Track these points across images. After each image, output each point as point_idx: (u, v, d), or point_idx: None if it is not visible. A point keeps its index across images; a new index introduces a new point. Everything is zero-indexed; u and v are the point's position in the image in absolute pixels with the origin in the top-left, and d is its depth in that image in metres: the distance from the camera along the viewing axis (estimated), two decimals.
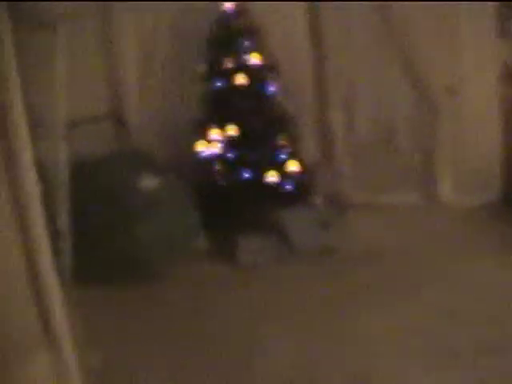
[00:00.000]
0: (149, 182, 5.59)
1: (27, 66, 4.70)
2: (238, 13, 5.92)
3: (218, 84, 5.91)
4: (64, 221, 3.98)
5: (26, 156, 2.29)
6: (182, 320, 4.69)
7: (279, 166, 5.88)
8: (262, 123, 5.91)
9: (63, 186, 3.96)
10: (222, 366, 3.99)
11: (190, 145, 6.11)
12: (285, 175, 5.89)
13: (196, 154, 6.04)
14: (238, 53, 5.89)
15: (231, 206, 5.82)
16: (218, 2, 5.95)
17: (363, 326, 4.30)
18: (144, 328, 4.59)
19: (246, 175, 5.81)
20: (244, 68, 5.88)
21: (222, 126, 5.86)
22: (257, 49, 5.97)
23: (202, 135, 5.96)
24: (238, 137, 5.84)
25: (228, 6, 5.90)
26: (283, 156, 5.94)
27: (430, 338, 4.08)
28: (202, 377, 3.89)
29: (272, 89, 6.03)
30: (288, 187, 5.91)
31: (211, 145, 5.90)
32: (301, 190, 6.02)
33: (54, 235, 3.73)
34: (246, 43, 5.93)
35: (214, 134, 5.87)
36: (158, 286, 5.28)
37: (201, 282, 5.35)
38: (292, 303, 4.79)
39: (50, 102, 3.89)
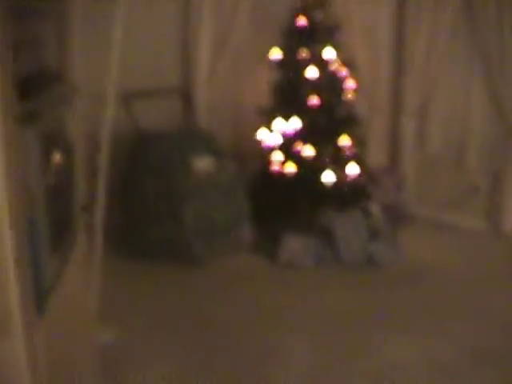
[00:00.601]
0: (203, 164, 5.52)
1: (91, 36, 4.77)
2: (319, 3, 5.69)
3: (290, 74, 5.72)
4: (100, 193, 3.92)
5: None
6: (206, 309, 4.64)
7: (339, 167, 5.68)
8: (328, 120, 5.68)
9: (104, 157, 3.90)
10: (232, 366, 3.92)
11: (253, 132, 5.97)
12: (343, 177, 5.69)
13: (257, 142, 5.89)
14: (313, 45, 5.68)
15: (283, 200, 5.67)
16: None
17: (384, 348, 4.11)
18: (164, 311, 4.59)
19: (304, 171, 5.62)
20: (318, 61, 5.67)
21: (287, 117, 5.68)
22: (335, 43, 5.74)
23: (266, 124, 5.81)
24: (302, 130, 5.64)
25: None
26: (345, 157, 5.71)
27: (450, 375, 3.85)
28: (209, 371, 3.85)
29: (345, 86, 5.80)
30: (345, 190, 5.71)
31: (273, 135, 5.74)
32: (358, 194, 5.81)
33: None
34: (324, 36, 5.70)
35: (278, 124, 5.70)
36: (193, 270, 5.28)
37: (235, 274, 5.28)
38: (321, 311, 4.64)
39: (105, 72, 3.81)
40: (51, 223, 2.56)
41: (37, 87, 2.63)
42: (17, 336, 2.04)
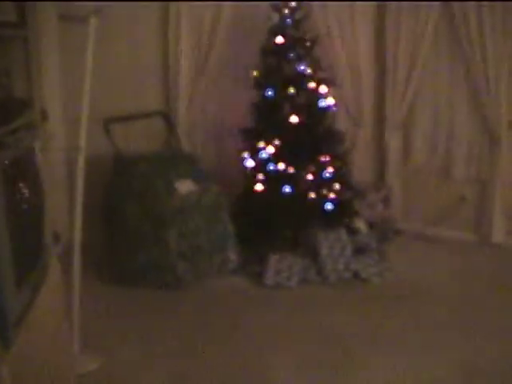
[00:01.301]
0: (186, 186, 5.48)
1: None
2: (296, 21, 5.66)
3: (270, 93, 5.68)
4: (77, 220, 3.89)
5: None
6: (192, 333, 4.58)
7: (323, 184, 5.65)
8: (310, 137, 5.64)
9: (80, 182, 3.87)
10: None
11: (236, 153, 5.94)
12: (328, 194, 5.66)
13: (240, 162, 5.85)
14: (292, 63, 5.65)
15: (267, 220, 5.63)
16: (273, 10, 5.71)
17: (371, 366, 4.05)
18: (149, 336, 4.53)
19: (287, 190, 5.57)
20: (298, 79, 5.65)
21: (269, 136, 5.64)
22: (314, 59, 5.72)
23: (249, 143, 5.78)
24: (284, 149, 5.60)
25: (286, 12, 5.65)
26: (328, 174, 5.67)
27: None
28: None
29: (326, 103, 5.75)
30: (329, 207, 5.66)
31: (256, 154, 5.70)
32: (343, 211, 5.77)
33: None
34: (302, 53, 5.67)
35: (261, 143, 5.67)
36: (178, 294, 5.23)
37: (221, 296, 5.23)
38: (307, 331, 4.57)
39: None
40: (17, 254, 2.51)
41: (1, 116, 2.60)
42: None
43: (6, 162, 2.50)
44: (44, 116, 3.45)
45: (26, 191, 2.77)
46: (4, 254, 2.37)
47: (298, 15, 5.64)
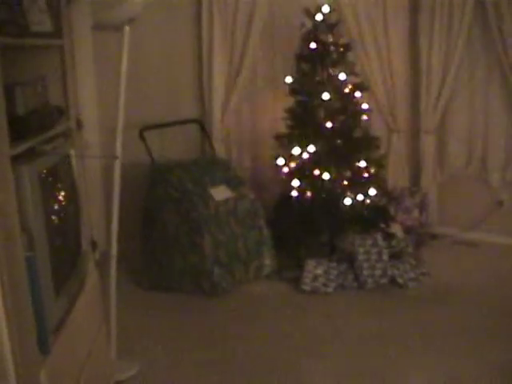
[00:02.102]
0: (222, 193, 5.49)
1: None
2: (330, 26, 5.66)
3: (304, 98, 5.68)
4: (114, 228, 3.92)
5: None
6: (229, 339, 4.58)
7: (358, 190, 5.63)
8: (345, 143, 5.63)
9: (117, 190, 3.90)
10: None
11: (271, 158, 5.95)
12: (363, 199, 5.64)
13: (275, 168, 5.86)
14: (326, 68, 5.64)
15: (303, 225, 5.61)
16: (306, 16, 5.69)
17: (410, 372, 4.01)
18: (186, 342, 4.53)
19: (323, 195, 5.57)
20: (332, 84, 5.63)
21: (304, 142, 5.63)
22: (348, 64, 5.70)
23: (284, 150, 5.77)
24: (319, 155, 5.59)
25: (319, 18, 5.64)
26: (364, 179, 5.66)
27: None
28: None
29: (361, 108, 5.74)
30: (365, 212, 5.64)
31: (292, 160, 5.71)
32: (379, 216, 5.75)
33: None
34: (337, 58, 5.65)
35: (296, 149, 5.67)
36: (215, 300, 5.22)
37: (258, 302, 5.21)
38: (345, 336, 4.54)
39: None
40: (55, 262, 2.54)
41: (37, 125, 2.63)
42: (11, 377, 2.02)
43: (45, 170, 2.54)
44: (79, 124, 3.48)
45: (63, 199, 2.80)
46: (43, 261, 2.40)
47: (330, 20, 5.63)
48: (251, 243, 5.50)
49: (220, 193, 5.51)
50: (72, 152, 3.06)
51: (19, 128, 2.43)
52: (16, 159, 2.27)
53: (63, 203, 2.79)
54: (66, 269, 2.79)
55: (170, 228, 5.40)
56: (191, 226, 5.29)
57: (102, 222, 5.78)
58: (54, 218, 2.63)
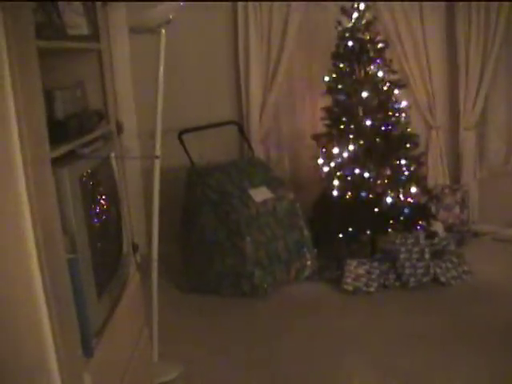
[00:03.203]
0: (261, 194, 5.48)
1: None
2: (366, 24, 5.61)
3: (343, 97, 5.64)
4: (155, 231, 3.93)
5: None
6: (271, 339, 4.57)
7: (399, 188, 5.57)
8: (385, 141, 5.57)
9: (156, 193, 3.91)
10: None
11: (310, 158, 5.94)
12: (404, 197, 5.58)
13: (315, 168, 5.84)
14: (364, 66, 5.60)
15: (344, 225, 5.58)
16: (342, 14, 5.66)
17: (453, 369, 3.96)
18: (228, 344, 4.53)
19: (364, 194, 5.53)
20: (370, 82, 5.59)
21: (343, 141, 5.60)
22: (385, 62, 5.64)
23: (323, 149, 5.75)
24: (358, 153, 5.55)
25: (355, 14, 5.60)
26: (404, 177, 5.60)
27: None
28: None
29: (400, 105, 5.69)
30: (406, 211, 5.58)
31: (331, 160, 5.67)
32: (420, 215, 5.68)
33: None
34: (374, 56, 5.59)
35: (335, 148, 5.64)
36: (256, 301, 5.22)
37: (299, 303, 5.21)
38: (388, 335, 4.51)
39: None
40: (98, 265, 2.55)
41: (77, 128, 2.64)
42: (56, 380, 2.02)
43: (85, 173, 2.55)
44: (120, 128, 3.50)
45: (104, 202, 2.81)
46: (85, 264, 2.41)
47: (366, 17, 5.59)
48: (292, 244, 5.50)
49: (260, 194, 5.50)
50: (112, 155, 3.07)
51: (58, 132, 2.44)
52: (56, 162, 2.28)
53: (104, 206, 2.80)
54: (108, 271, 2.80)
55: (209, 230, 5.41)
56: (231, 228, 5.29)
57: (143, 225, 5.82)
58: (95, 220, 2.63)
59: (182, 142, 5.68)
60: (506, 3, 5.85)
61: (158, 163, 3.90)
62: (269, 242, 5.36)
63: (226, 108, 6.43)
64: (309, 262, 5.53)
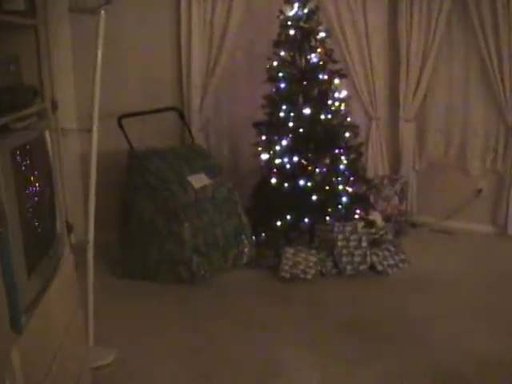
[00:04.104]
0: (200, 180, 5.46)
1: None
2: (308, 12, 5.58)
3: (283, 85, 5.64)
4: (91, 213, 3.89)
5: None
6: (208, 325, 4.57)
7: (338, 177, 5.60)
8: (324, 130, 5.59)
9: (93, 176, 3.86)
10: (232, 381, 3.85)
11: (250, 146, 5.93)
12: (343, 187, 5.61)
13: (254, 156, 5.83)
14: (305, 55, 5.60)
15: (282, 213, 5.59)
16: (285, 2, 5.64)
17: (390, 358, 4.00)
18: (164, 329, 4.52)
19: (302, 182, 5.54)
20: (311, 71, 5.59)
21: (283, 129, 5.61)
22: (327, 52, 5.65)
23: (262, 137, 5.74)
24: (298, 142, 5.57)
25: (297, 3, 5.57)
26: (343, 166, 5.63)
27: None
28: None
29: (339, 95, 5.71)
30: (344, 200, 5.62)
31: (270, 147, 5.67)
32: (358, 204, 5.73)
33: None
34: (315, 45, 5.61)
35: (275, 136, 5.64)
36: (194, 288, 5.21)
37: (237, 289, 5.22)
38: (324, 324, 4.52)
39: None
40: (28, 239, 2.50)
41: (9, 103, 2.59)
42: None
43: (17, 147, 2.50)
44: (55, 105, 3.44)
45: (37, 179, 2.76)
46: (15, 238, 2.36)
47: (309, 6, 5.60)
48: (230, 231, 5.49)
49: (199, 180, 5.48)
50: (47, 133, 3.02)
51: None
52: None
53: (37, 183, 2.75)
54: (40, 249, 2.75)
55: (147, 216, 5.37)
56: (169, 215, 5.27)
57: (81, 211, 5.74)
58: (27, 197, 2.58)
59: (121, 126, 5.63)
60: None
61: (95, 139, 3.83)
62: (207, 229, 5.35)
63: (167, 94, 6.39)
64: (246, 249, 5.53)
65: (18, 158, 2.49)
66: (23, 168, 2.58)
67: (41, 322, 2.60)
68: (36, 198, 2.73)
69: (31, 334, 2.45)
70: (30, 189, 2.66)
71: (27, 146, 2.64)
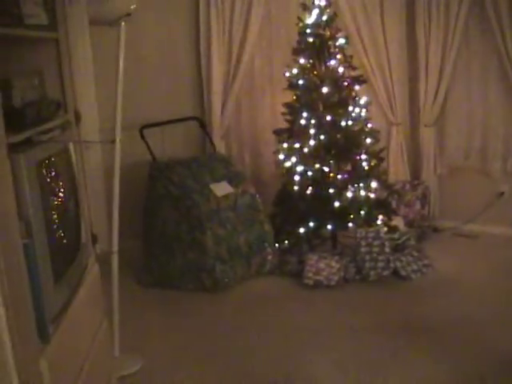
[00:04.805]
0: (222, 189, 5.49)
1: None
2: (327, 20, 5.61)
3: (303, 93, 5.64)
4: (115, 223, 3.93)
5: None
6: (232, 333, 4.59)
7: (359, 183, 5.60)
8: (345, 136, 5.61)
9: (116, 186, 3.91)
10: None
11: (271, 154, 5.97)
12: (365, 193, 5.61)
13: (276, 163, 5.87)
14: (325, 62, 5.62)
15: (305, 219, 5.61)
16: (303, 10, 5.67)
17: (414, 365, 4.00)
18: (189, 338, 4.54)
19: (323, 190, 5.54)
20: (331, 78, 5.60)
21: (304, 136, 5.62)
22: (346, 59, 5.67)
23: (284, 144, 5.75)
24: (320, 148, 5.58)
25: (316, 11, 5.60)
26: (364, 172, 5.64)
27: None
28: None
29: (360, 101, 5.71)
30: (366, 206, 5.62)
31: (292, 155, 5.68)
32: (380, 209, 5.73)
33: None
34: (334, 52, 5.62)
35: (296, 144, 5.66)
36: (217, 296, 5.23)
37: (260, 297, 5.23)
38: (348, 330, 4.53)
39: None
40: (54, 250, 2.54)
41: (34, 116, 2.63)
42: (10, 366, 2.00)
43: (42, 159, 2.53)
44: (78, 117, 3.48)
45: (62, 191, 2.80)
46: (41, 250, 2.40)
47: (328, 14, 5.62)
48: (253, 239, 5.51)
49: (221, 188, 5.51)
50: (71, 145, 3.06)
51: (15, 119, 2.43)
52: (13, 148, 2.27)
53: (62, 195, 2.79)
54: (66, 260, 2.79)
55: (170, 225, 5.42)
56: (192, 223, 5.30)
57: (104, 222, 5.78)
58: (52, 208, 2.62)
59: (143, 137, 5.69)
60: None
61: (118, 149, 3.88)
62: (230, 237, 5.37)
63: (188, 104, 6.43)
64: (270, 257, 5.55)
65: (43, 170, 2.54)
66: (48, 180, 2.62)
67: (68, 331, 2.63)
68: (61, 209, 2.77)
69: (59, 343, 2.48)
70: (55, 200, 2.70)
71: (52, 158, 2.68)
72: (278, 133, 5.82)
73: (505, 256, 5.75)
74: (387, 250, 5.33)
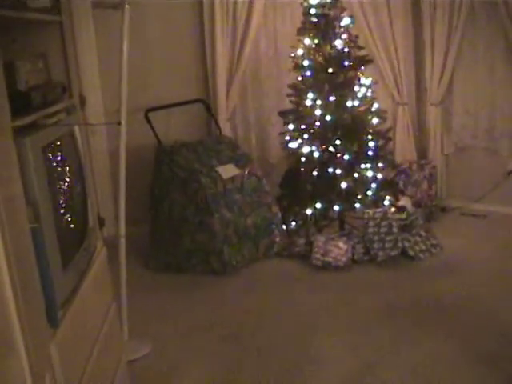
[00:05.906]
0: (228, 171, 5.47)
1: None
2: (330, 1, 5.53)
3: (309, 73, 5.62)
4: (121, 207, 3.91)
5: None
6: (241, 315, 4.59)
7: (367, 163, 5.58)
8: (350, 117, 5.56)
9: (123, 170, 3.88)
10: (268, 370, 3.85)
11: (277, 135, 5.94)
12: (372, 173, 5.59)
13: (282, 144, 5.84)
14: (331, 42, 5.56)
15: (312, 201, 5.60)
16: None
17: (424, 343, 4.00)
18: (198, 320, 4.54)
19: (330, 171, 5.53)
20: (336, 58, 5.55)
21: (310, 118, 5.58)
22: (351, 38, 5.61)
23: (290, 125, 5.73)
24: (326, 130, 5.55)
25: None
26: (371, 152, 5.61)
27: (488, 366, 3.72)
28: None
29: (365, 81, 5.66)
30: (373, 186, 5.61)
31: (298, 136, 5.66)
32: (387, 190, 5.71)
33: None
34: (339, 32, 5.56)
35: (302, 125, 5.63)
36: (226, 278, 5.22)
37: (269, 279, 5.21)
38: (358, 310, 4.53)
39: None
40: (62, 234, 2.53)
41: (39, 100, 2.61)
42: (20, 351, 2.00)
43: (48, 143, 2.52)
44: (83, 101, 3.46)
45: (68, 174, 2.78)
46: (49, 234, 2.39)
47: None
48: (260, 221, 5.50)
49: (227, 171, 5.50)
50: (76, 129, 3.04)
51: (20, 103, 2.42)
52: (18, 132, 2.25)
53: (68, 179, 2.77)
54: (74, 243, 2.78)
55: (177, 208, 5.40)
56: (199, 206, 5.28)
57: (111, 206, 5.78)
58: (59, 192, 2.61)
59: (148, 120, 5.67)
60: None
61: (123, 132, 3.84)
62: (237, 219, 5.36)
63: (193, 86, 6.39)
64: (277, 239, 5.54)
65: (49, 154, 2.52)
66: (54, 164, 2.61)
67: (77, 315, 2.62)
68: (68, 193, 2.76)
69: (68, 328, 2.47)
70: (62, 184, 2.68)
71: (58, 142, 2.67)
72: (283, 114, 5.79)
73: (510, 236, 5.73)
74: (395, 230, 5.31)
